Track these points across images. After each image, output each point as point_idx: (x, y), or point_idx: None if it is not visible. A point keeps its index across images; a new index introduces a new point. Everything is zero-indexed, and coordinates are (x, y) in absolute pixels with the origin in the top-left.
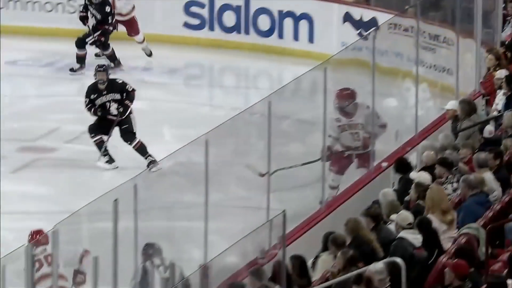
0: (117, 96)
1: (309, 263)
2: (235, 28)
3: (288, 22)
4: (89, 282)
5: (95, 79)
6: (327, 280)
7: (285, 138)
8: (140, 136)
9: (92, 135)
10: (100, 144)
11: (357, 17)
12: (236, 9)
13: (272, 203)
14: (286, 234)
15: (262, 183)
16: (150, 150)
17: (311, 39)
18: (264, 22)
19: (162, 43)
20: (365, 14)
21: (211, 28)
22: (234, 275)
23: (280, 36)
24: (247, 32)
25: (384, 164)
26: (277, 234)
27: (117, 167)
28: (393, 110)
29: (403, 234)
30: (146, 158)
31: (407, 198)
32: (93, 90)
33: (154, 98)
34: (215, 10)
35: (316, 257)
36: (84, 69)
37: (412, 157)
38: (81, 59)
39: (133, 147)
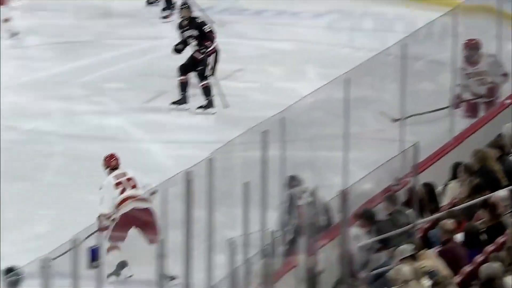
0: (195, 33)
1: (439, 190)
2: None
3: None
4: (241, 206)
5: (180, 16)
6: (454, 205)
7: (418, 77)
8: (286, 73)
9: (179, 74)
10: (183, 84)
11: None
12: None
13: (405, 136)
14: (418, 163)
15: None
16: (295, 87)
17: None
18: None
19: None
20: None
21: None
22: (370, 200)
23: None
24: None
25: (508, 101)
26: (410, 164)
27: (188, 108)
28: None
29: None
30: (205, 100)
31: None
32: (179, 26)
33: (300, 40)
34: None
35: (445, 185)
36: (173, 15)
37: None
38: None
39: (201, 86)
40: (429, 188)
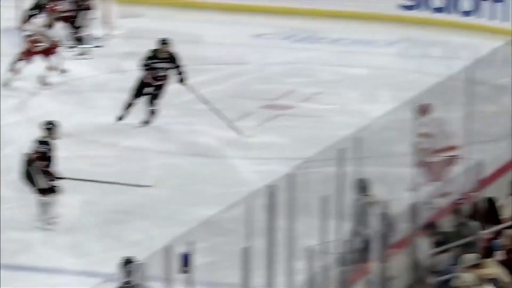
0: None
1: (500, 203)
2: (442, 9)
3: (486, 4)
4: (318, 217)
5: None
6: None
7: (482, 101)
8: (361, 96)
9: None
10: None
11: None
12: None
13: (470, 154)
14: (482, 179)
15: (462, 137)
16: (369, 108)
17: (505, 18)
18: (466, 4)
19: (381, 21)
20: None
21: (422, 9)
22: (439, 213)
23: (480, 15)
24: (452, 12)
25: None
26: (475, 179)
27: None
28: None
29: None
30: None
31: None
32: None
33: (374, 66)
34: None
35: (507, 199)
36: None
37: None
38: None
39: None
40: (491, 202)
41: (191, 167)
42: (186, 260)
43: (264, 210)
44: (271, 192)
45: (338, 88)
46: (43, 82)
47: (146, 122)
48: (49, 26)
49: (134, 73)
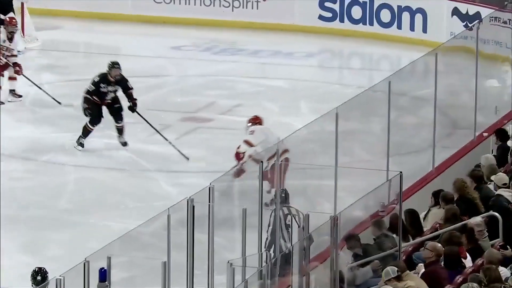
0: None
1: (421, 215)
2: (361, 20)
3: (406, 15)
4: (238, 230)
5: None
6: (436, 230)
7: (402, 112)
8: (281, 108)
9: None
10: None
11: (463, 11)
12: (363, 4)
13: (390, 166)
14: (402, 191)
15: (382, 149)
16: (289, 120)
17: (424, 30)
18: (385, 15)
19: (301, 33)
20: (471, 9)
21: (341, 20)
22: (358, 225)
23: (399, 27)
24: (371, 23)
25: (485, 134)
26: (395, 192)
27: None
28: (493, 89)
29: (500, 191)
30: None
31: None
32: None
33: (294, 78)
34: (345, 5)
35: (428, 211)
36: None
37: (509, 128)
38: None
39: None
40: (412, 214)
41: (110, 180)
42: (104, 275)
43: (184, 224)
44: (191, 205)
45: (258, 100)
46: (15, 94)
47: (124, 143)
48: (9, 39)
49: (51, 85)
